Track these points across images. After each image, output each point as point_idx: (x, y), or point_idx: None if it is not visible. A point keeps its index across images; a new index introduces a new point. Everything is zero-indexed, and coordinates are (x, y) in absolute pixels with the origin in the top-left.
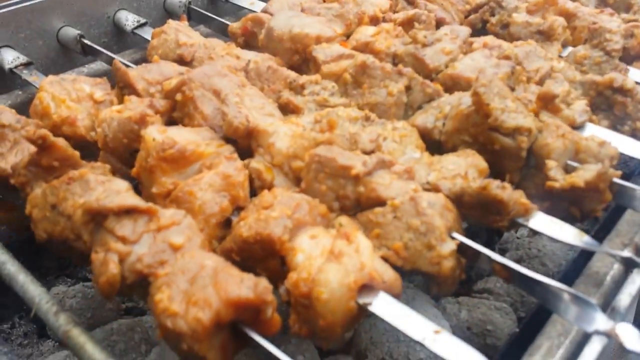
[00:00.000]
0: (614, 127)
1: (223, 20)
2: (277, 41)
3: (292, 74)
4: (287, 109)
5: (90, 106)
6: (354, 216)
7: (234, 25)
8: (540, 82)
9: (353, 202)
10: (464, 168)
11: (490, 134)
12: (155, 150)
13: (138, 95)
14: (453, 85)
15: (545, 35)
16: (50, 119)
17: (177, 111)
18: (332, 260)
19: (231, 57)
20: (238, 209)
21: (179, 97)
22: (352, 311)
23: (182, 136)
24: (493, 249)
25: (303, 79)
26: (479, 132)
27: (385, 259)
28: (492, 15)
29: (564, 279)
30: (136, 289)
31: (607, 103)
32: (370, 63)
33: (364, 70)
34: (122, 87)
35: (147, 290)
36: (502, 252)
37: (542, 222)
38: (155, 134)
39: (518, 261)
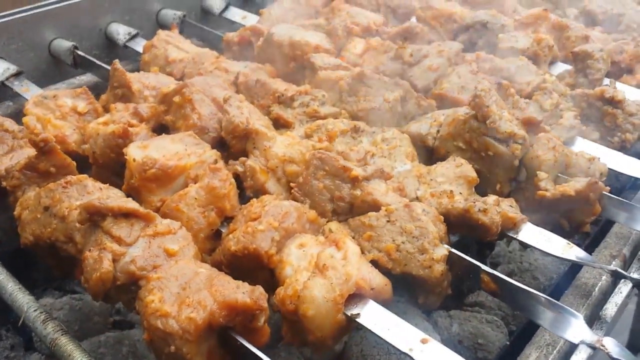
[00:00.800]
0: (603, 138)
1: (217, 32)
2: (276, 46)
3: (280, 87)
4: (277, 124)
5: (76, 120)
6: (345, 221)
7: (231, 34)
8: (530, 95)
9: (347, 205)
10: (452, 180)
11: (485, 139)
12: (137, 171)
13: (132, 96)
14: (442, 103)
15: (532, 58)
16: None
17: (170, 114)
18: (317, 275)
19: (220, 71)
20: (227, 219)
21: (177, 99)
22: (340, 323)
23: (164, 149)
24: (484, 263)
25: (291, 90)
26: (474, 138)
27: (375, 262)
28: (480, 37)
29: (555, 292)
30: (124, 293)
31: (597, 114)
32: (368, 73)
33: (361, 79)
34: (116, 88)
35: (135, 295)
36: (494, 266)
37: (531, 235)
38: (136, 153)
39: (509, 275)
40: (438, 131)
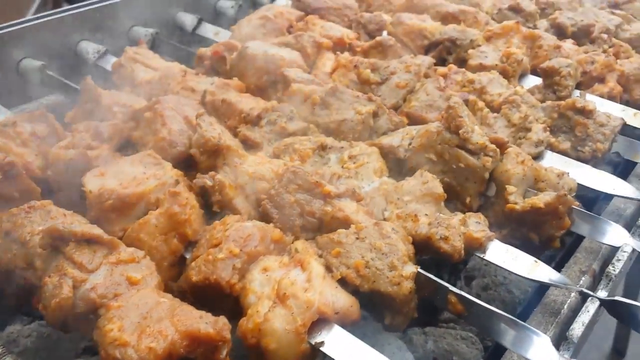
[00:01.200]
0: (574, 148)
1: (189, 49)
2: (250, 59)
3: (247, 106)
4: (246, 145)
5: (38, 144)
6: (313, 239)
7: (204, 49)
8: (498, 108)
9: (317, 221)
10: (419, 198)
11: (456, 151)
12: (94, 203)
13: (100, 112)
14: (411, 122)
15: (501, 73)
16: None
17: (139, 130)
18: (277, 305)
19: (186, 91)
20: (191, 243)
21: (148, 114)
22: (305, 353)
23: (122, 175)
24: (459, 277)
25: (257, 109)
26: (446, 150)
27: (343, 279)
28: (449, 53)
29: (528, 308)
30: (82, 322)
31: (568, 124)
32: (341, 87)
33: (334, 93)
34: (86, 102)
35: (93, 324)
36: (469, 280)
37: (498, 253)
38: (93, 184)
39: (484, 288)
40: (410, 143)
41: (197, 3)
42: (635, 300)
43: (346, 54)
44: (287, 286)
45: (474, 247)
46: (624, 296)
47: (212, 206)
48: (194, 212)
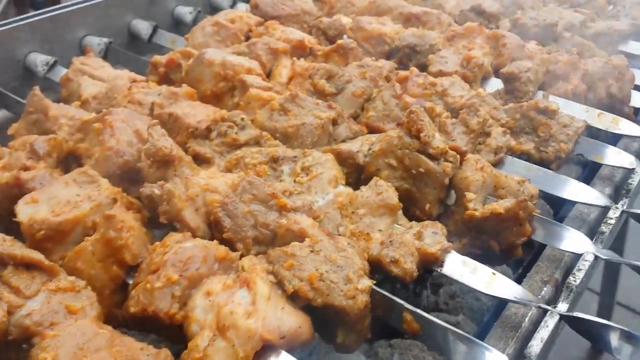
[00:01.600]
0: (537, 149)
1: (144, 58)
2: (207, 65)
3: (194, 121)
4: (197, 161)
5: None
6: (264, 253)
7: (158, 57)
8: (457, 112)
9: (270, 234)
10: (374, 210)
11: (417, 156)
12: (27, 234)
13: (47, 122)
14: (370, 131)
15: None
16: None
17: (86, 142)
18: (217, 337)
19: (133, 104)
20: (134, 267)
21: (97, 125)
22: None
23: (55, 200)
24: (425, 286)
25: (206, 121)
26: (406, 155)
27: (295, 293)
28: (410, 59)
29: (492, 318)
30: (14, 350)
31: (531, 125)
32: (301, 94)
33: (293, 100)
34: (32, 113)
35: (27, 354)
36: (436, 287)
37: (455, 266)
38: (23, 213)
39: (452, 296)
40: (369, 149)
41: (154, 10)
42: (609, 311)
43: (302, 62)
44: (227, 316)
45: (430, 261)
46: (598, 307)
47: (159, 217)
48: (132, 235)
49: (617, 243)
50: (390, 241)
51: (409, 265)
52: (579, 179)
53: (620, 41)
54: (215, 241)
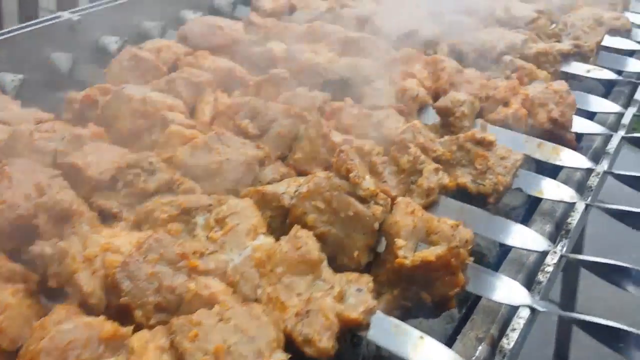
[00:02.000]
0: (474, 182)
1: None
2: (126, 101)
3: (95, 173)
4: (102, 217)
5: None
6: (166, 322)
7: (74, 94)
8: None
9: (175, 299)
10: (294, 267)
11: (346, 198)
12: None
13: None
14: (299, 173)
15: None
16: None
17: None
18: None
19: (36, 154)
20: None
21: None
22: None
23: None
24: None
25: (109, 171)
26: (334, 197)
27: None
28: (344, 91)
29: None
30: None
31: (467, 157)
32: (228, 133)
33: (219, 138)
34: None
35: None
36: None
37: (382, 329)
38: None
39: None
40: (296, 190)
41: (75, 41)
42: None
43: (226, 99)
44: None
45: (354, 326)
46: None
47: (49, 281)
48: (7, 317)
49: (578, 240)
50: (307, 311)
51: (324, 343)
52: (521, 211)
53: (563, 61)
54: (102, 317)
